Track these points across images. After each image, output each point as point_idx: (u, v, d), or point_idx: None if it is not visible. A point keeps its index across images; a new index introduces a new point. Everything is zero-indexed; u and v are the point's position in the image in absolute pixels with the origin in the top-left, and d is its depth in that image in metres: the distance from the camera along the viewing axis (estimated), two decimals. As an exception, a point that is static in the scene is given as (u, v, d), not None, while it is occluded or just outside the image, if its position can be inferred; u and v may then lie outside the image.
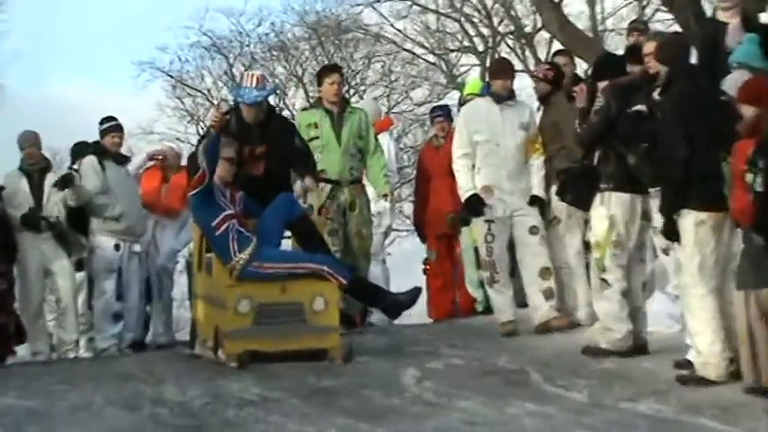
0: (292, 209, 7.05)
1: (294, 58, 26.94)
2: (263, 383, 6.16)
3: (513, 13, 24.30)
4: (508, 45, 25.21)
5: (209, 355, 6.85)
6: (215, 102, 19.80)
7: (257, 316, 6.62)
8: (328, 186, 7.87)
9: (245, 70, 27.00)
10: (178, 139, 26.70)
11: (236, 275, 6.61)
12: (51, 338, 8.68)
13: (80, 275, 8.54)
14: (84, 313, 8.67)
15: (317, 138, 7.83)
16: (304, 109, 10.00)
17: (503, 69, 7.97)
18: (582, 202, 6.68)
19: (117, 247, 8.35)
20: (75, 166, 8.43)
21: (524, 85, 10.54)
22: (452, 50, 26.60)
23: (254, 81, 7.26)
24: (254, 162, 7.07)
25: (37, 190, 8.03)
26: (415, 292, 7.15)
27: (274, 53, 27.22)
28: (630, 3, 23.37)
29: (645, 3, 22.59)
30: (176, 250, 9.27)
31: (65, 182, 8.00)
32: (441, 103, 17.88)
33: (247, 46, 26.93)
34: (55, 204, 8.03)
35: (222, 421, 5.40)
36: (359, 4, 25.79)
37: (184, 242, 9.07)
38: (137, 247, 8.54)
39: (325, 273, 6.66)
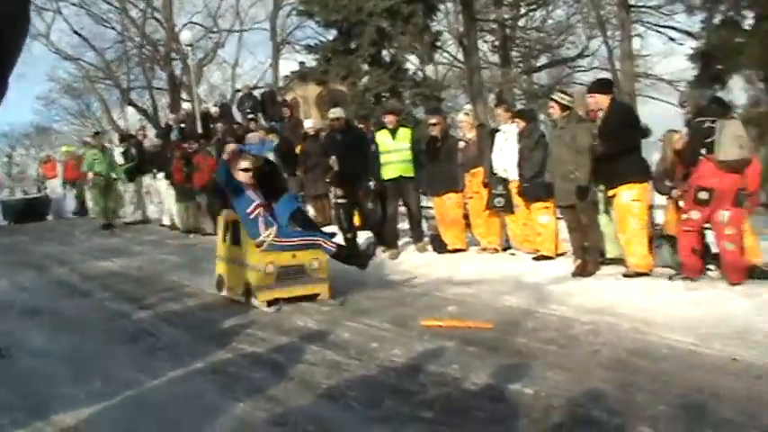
0: (293, 204, 8.74)
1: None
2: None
3: None
4: None
5: (238, 299, 8.42)
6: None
7: (279, 275, 8.22)
8: None
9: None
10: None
11: (263, 248, 8.17)
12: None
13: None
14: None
15: None
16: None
17: None
18: None
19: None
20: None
21: None
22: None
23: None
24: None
25: None
26: (373, 247, 10.14)
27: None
28: None
29: None
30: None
31: None
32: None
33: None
34: None
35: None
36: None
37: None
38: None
39: (319, 242, 8.32)
